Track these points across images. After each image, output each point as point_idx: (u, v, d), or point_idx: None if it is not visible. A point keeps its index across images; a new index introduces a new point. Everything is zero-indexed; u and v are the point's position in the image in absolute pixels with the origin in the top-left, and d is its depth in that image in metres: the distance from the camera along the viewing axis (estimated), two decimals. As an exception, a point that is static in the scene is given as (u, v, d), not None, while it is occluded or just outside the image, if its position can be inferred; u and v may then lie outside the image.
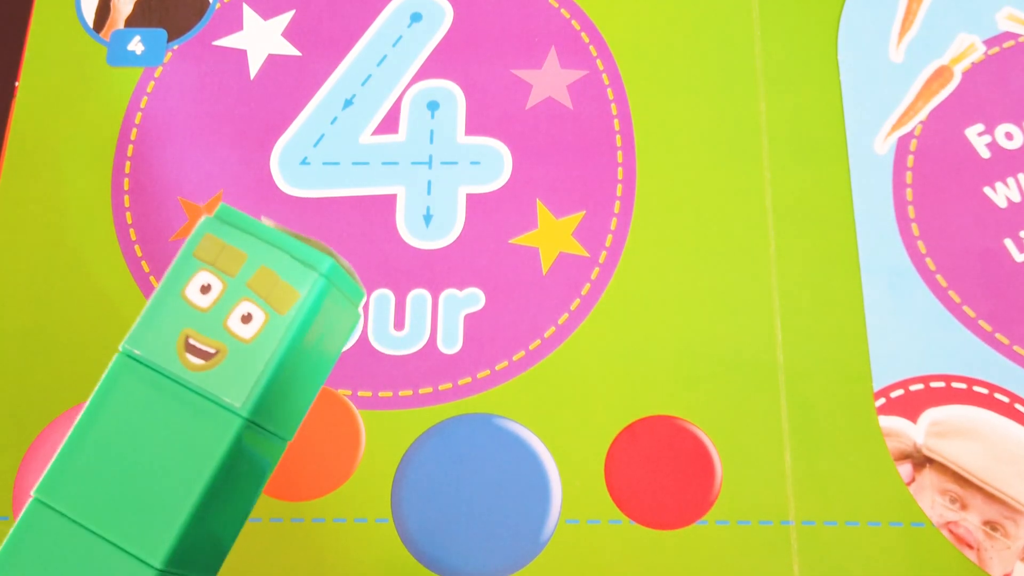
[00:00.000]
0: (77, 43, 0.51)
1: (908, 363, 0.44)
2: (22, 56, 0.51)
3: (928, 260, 0.45)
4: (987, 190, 0.47)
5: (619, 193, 0.47)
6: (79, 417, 0.29)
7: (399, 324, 0.45)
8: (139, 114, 0.49)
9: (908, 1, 0.50)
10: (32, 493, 0.29)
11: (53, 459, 0.29)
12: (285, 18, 0.51)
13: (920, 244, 0.46)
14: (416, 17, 0.51)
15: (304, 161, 0.48)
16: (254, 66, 0.50)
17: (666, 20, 0.50)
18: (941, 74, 0.49)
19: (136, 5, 0.52)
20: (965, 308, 0.45)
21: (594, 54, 0.50)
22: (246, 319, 0.29)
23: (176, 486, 0.28)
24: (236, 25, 0.51)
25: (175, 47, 0.51)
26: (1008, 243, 0.46)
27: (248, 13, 0.51)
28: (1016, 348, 0.44)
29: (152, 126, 0.49)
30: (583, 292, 0.45)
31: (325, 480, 0.43)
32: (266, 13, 0.51)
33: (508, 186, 0.47)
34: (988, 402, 0.43)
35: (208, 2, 0.52)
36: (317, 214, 0.47)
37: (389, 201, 0.47)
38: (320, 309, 0.30)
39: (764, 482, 0.42)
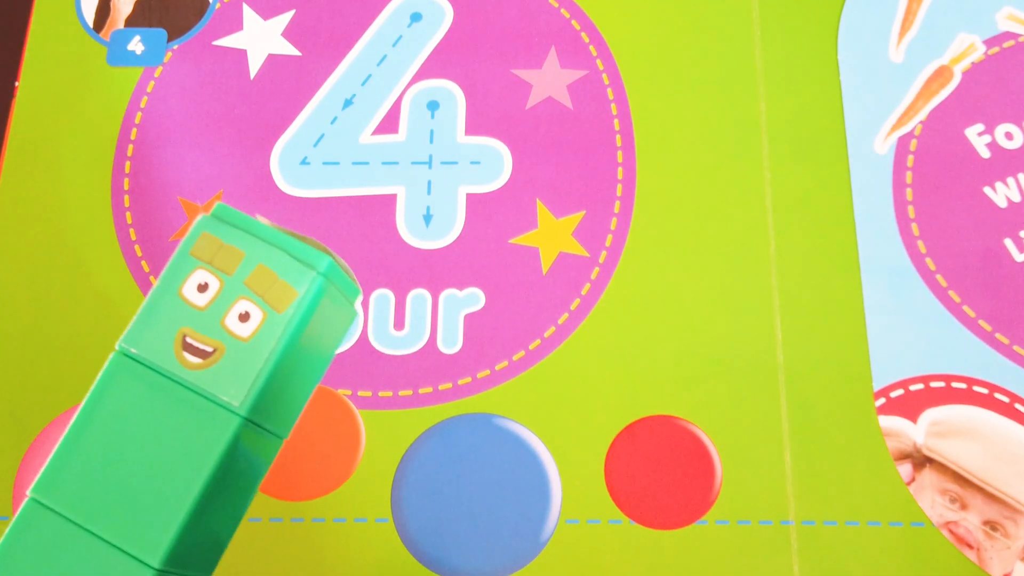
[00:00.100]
0: (77, 43, 0.51)
1: (908, 363, 0.44)
2: (22, 56, 0.51)
3: (928, 260, 0.45)
4: (987, 190, 0.47)
5: (619, 193, 0.47)
6: (75, 416, 0.29)
7: (399, 324, 0.45)
8: (139, 114, 0.49)
9: (908, 1, 0.50)
10: (28, 492, 0.28)
11: (49, 458, 0.28)
12: (285, 18, 0.51)
13: (920, 244, 0.46)
14: (416, 17, 0.51)
15: (304, 161, 0.48)
16: (254, 66, 0.50)
17: (666, 20, 0.50)
18: (941, 74, 0.49)
19: (136, 5, 0.52)
20: (965, 308, 0.45)
21: (594, 54, 0.50)
22: (244, 317, 0.29)
23: (174, 485, 0.28)
24: (236, 25, 0.51)
25: (175, 47, 0.51)
26: (1008, 243, 0.46)
27: (248, 13, 0.51)
28: (1016, 348, 0.44)
29: (152, 126, 0.49)
30: (583, 292, 0.45)
31: (325, 480, 0.43)
32: (266, 13, 0.51)
33: (508, 186, 0.47)
34: (988, 402, 0.43)
35: (208, 2, 0.52)
36: (317, 214, 0.47)
37: (389, 201, 0.47)
38: (318, 307, 0.30)
39: (764, 482, 0.42)
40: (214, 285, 0.29)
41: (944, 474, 0.42)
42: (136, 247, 0.47)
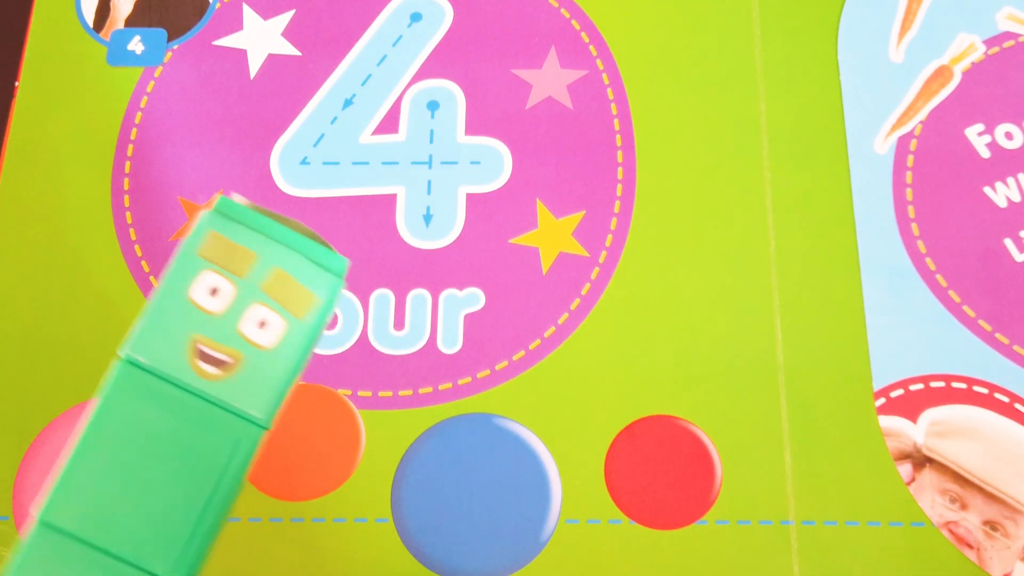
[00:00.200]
0: (77, 43, 0.51)
1: (908, 363, 0.44)
2: (22, 56, 0.51)
3: (928, 260, 0.45)
4: (987, 190, 0.47)
5: (619, 193, 0.47)
6: (81, 431, 0.27)
7: (399, 324, 0.45)
8: (139, 114, 0.49)
9: (908, 1, 0.50)
10: (35, 515, 0.26)
11: (55, 478, 0.26)
12: (285, 18, 0.51)
13: (920, 244, 0.46)
14: (416, 17, 0.51)
15: (304, 161, 0.48)
16: (254, 66, 0.50)
17: (666, 20, 0.50)
18: (941, 74, 0.49)
19: (136, 5, 0.52)
20: (965, 308, 0.45)
21: (594, 54, 0.50)
22: (262, 325, 0.27)
23: (195, 501, 0.26)
24: (236, 25, 0.51)
25: (175, 47, 0.51)
26: (1008, 243, 0.46)
27: (248, 13, 0.51)
28: (1016, 348, 0.44)
29: (152, 126, 0.49)
30: (583, 292, 0.45)
31: (325, 480, 0.43)
32: (266, 13, 0.51)
33: (508, 186, 0.47)
34: (988, 402, 0.43)
35: (208, 2, 0.52)
36: (317, 214, 0.47)
37: (389, 201, 0.47)
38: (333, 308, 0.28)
39: (764, 482, 0.42)
40: (226, 289, 0.27)
41: (944, 474, 0.42)
42: (136, 247, 0.47)
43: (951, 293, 0.45)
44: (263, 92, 0.50)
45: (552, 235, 0.46)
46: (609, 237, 0.46)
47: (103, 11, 0.52)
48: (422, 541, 0.42)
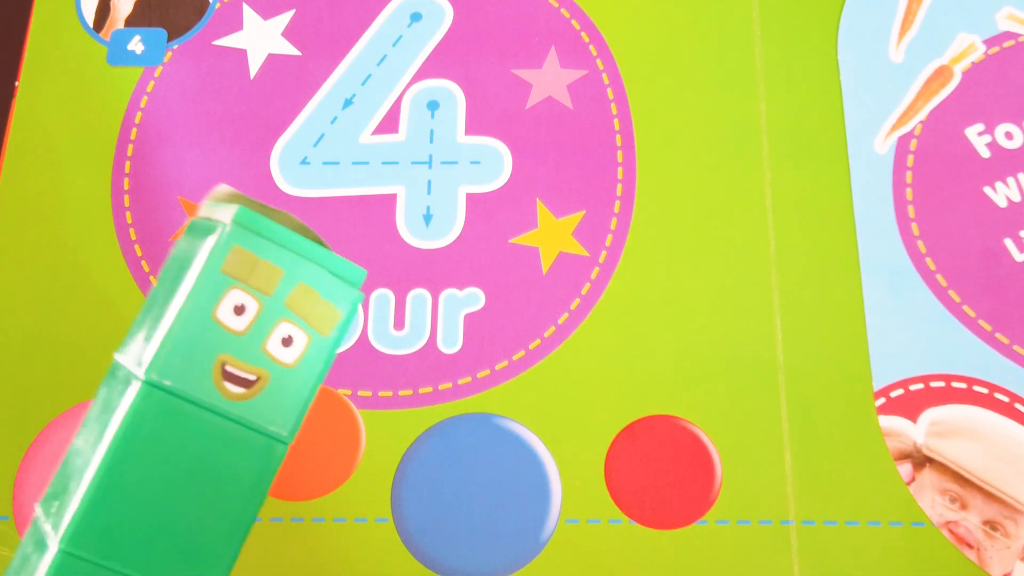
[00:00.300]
0: (77, 43, 0.51)
1: (908, 363, 0.44)
2: (22, 56, 0.51)
3: (928, 260, 0.45)
4: (987, 190, 0.47)
5: (619, 193, 0.47)
6: (101, 457, 0.26)
7: (399, 324, 0.45)
8: (139, 114, 0.49)
9: (908, 1, 0.50)
10: (57, 545, 0.26)
11: (76, 507, 0.25)
12: (285, 18, 0.51)
13: (920, 244, 0.46)
14: (416, 17, 0.51)
15: (304, 161, 0.48)
16: (254, 66, 0.50)
17: (666, 20, 0.50)
18: (941, 74, 0.49)
19: (136, 5, 0.52)
20: (965, 308, 0.45)
21: (594, 54, 0.50)
22: (287, 342, 0.27)
23: (221, 521, 0.26)
24: (236, 25, 0.51)
25: (175, 47, 0.51)
26: (1008, 243, 0.46)
27: (248, 13, 0.51)
28: (1016, 348, 0.44)
29: (152, 126, 0.49)
30: (583, 292, 0.45)
31: (325, 480, 0.43)
32: (266, 13, 0.51)
33: (508, 186, 0.47)
34: (988, 402, 0.43)
35: (208, 2, 0.52)
36: (317, 214, 0.47)
37: (389, 201, 0.47)
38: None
39: (764, 482, 0.42)
40: (252, 307, 0.27)
41: (944, 474, 0.42)
42: (136, 247, 0.47)
43: (951, 293, 0.45)
44: (263, 92, 0.50)
45: (552, 235, 0.46)
46: (609, 237, 0.46)
47: (103, 11, 0.52)
48: (422, 541, 0.42)
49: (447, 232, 0.47)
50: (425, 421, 0.43)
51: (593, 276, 0.46)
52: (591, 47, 0.50)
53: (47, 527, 0.26)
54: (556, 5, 0.51)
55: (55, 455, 0.43)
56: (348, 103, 0.49)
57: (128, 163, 0.48)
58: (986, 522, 0.41)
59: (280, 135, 0.49)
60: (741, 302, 0.45)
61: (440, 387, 0.44)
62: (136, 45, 0.51)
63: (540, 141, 0.48)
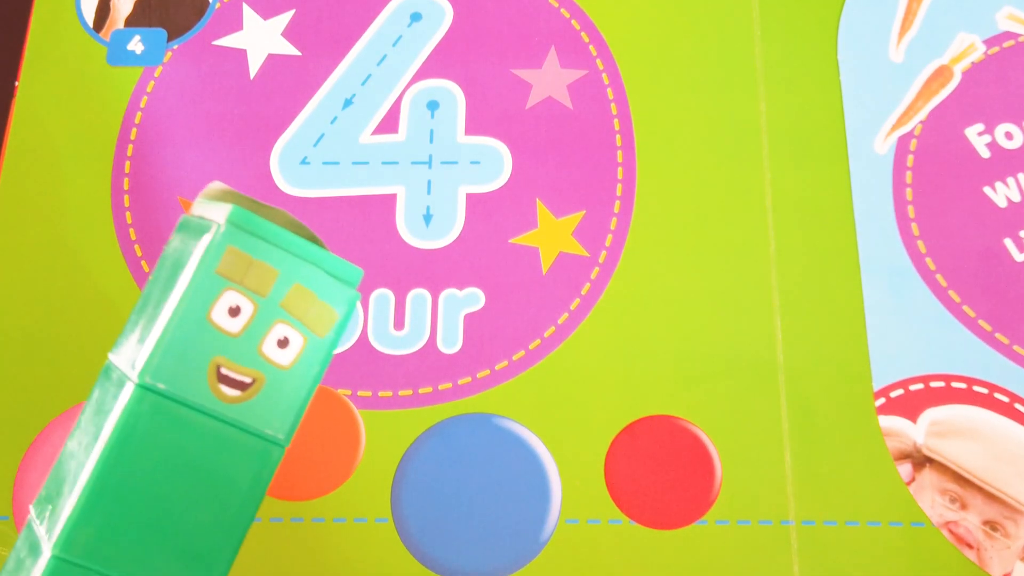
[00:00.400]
0: (77, 43, 0.51)
1: (908, 363, 0.44)
2: (22, 56, 0.51)
3: (928, 260, 0.45)
4: (987, 190, 0.47)
5: (619, 193, 0.47)
6: (95, 461, 0.25)
7: (399, 324, 0.45)
8: (139, 114, 0.49)
9: (908, 1, 0.50)
10: (51, 551, 0.25)
11: (69, 512, 0.25)
12: (285, 18, 0.51)
13: (920, 244, 0.46)
14: (416, 17, 0.51)
15: (304, 161, 0.48)
16: (254, 66, 0.50)
17: (666, 20, 0.50)
18: (941, 74, 0.49)
19: (136, 5, 0.52)
20: (965, 308, 0.45)
21: (594, 54, 0.50)
22: (283, 343, 0.26)
23: (216, 525, 0.26)
24: (236, 25, 0.51)
25: (175, 47, 0.51)
26: (1008, 243, 0.46)
27: (248, 13, 0.51)
28: (1016, 348, 0.44)
29: (152, 126, 0.49)
30: (583, 292, 0.45)
31: (325, 480, 0.43)
32: (266, 13, 0.51)
33: (508, 186, 0.47)
34: (988, 402, 0.43)
35: (208, 2, 0.52)
36: (317, 214, 0.47)
37: (389, 201, 0.47)
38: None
39: (764, 482, 0.42)
40: (247, 308, 0.26)
41: (944, 474, 0.42)
42: (136, 247, 0.47)
43: (951, 293, 0.45)
44: (263, 92, 0.50)
45: (552, 235, 0.46)
46: (609, 237, 0.46)
47: (103, 11, 0.52)
48: (422, 541, 0.42)
49: (447, 232, 0.47)
50: (425, 421, 0.43)
51: (593, 276, 0.46)
52: (591, 47, 0.50)
53: (41, 531, 0.26)
54: (556, 5, 0.51)
55: (55, 455, 0.43)
56: (348, 103, 0.49)
57: (128, 163, 0.48)
58: (986, 522, 0.41)
59: (280, 135, 0.49)
60: (741, 302, 0.45)
61: (440, 387, 0.44)
62: (136, 45, 0.51)
63: (540, 141, 0.48)
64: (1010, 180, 0.47)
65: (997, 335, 0.44)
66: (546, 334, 0.45)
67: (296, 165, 0.48)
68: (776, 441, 0.43)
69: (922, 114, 0.48)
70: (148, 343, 0.26)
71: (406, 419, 0.43)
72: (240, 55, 0.51)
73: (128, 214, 0.48)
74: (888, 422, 0.43)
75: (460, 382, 0.44)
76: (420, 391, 0.44)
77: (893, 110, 0.48)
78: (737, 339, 0.44)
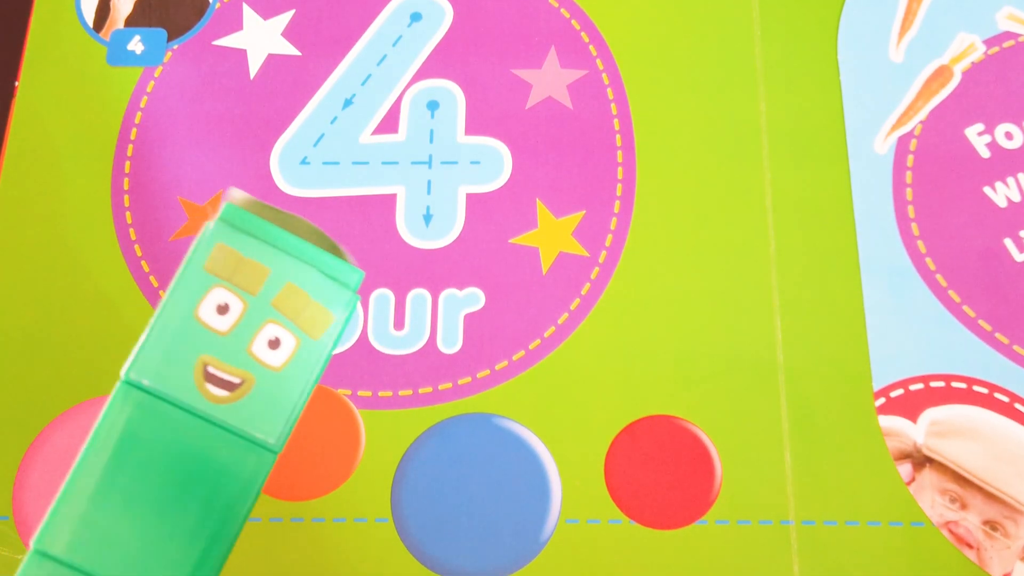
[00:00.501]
0: (77, 43, 0.51)
1: (908, 363, 0.44)
2: (22, 56, 0.51)
3: (928, 260, 0.45)
4: (987, 190, 0.47)
5: (619, 193, 0.47)
6: (79, 456, 0.25)
7: (399, 324, 0.45)
8: (139, 114, 0.49)
9: (908, 1, 0.50)
10: (31, 544, 0.25)
11: (52, 505, 0.25)
12: (285, 18, 0.51)
13: (920, 244, 0.46)
14: (416, 17, 0.51)
15: (304, 161, 0.48)
16: (254, 66, 0.50)
17: (666, 20, 0.50)
18: (941, 74, 0.49)
19: (136, 5, 0.52)
20: (965, 308, 0.45)
21: (594, 54, 0.50)
22: (274, 344, 0.26)
23: (199, 530, 0.25)
24: (236, 25, 0.51)
25: (175, 47, 0.51)
26: (1008, 243, 0.46)
27: (248, 13, 0.51)
28: (1016, 348, 0.44)
29: (152, 126, 0.49)
30: (583, 292, 0.45)
31: (325, 480, 0.43)
32: (266, 13, 0.51)
33: (508, 186, 0.47)
34: (988, 402, 0.43)
35: (208, 2, 0.52)
36: (317, 214, 0.47)
37: (389, 201, 0.47)
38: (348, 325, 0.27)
39: (764, 482, 0.42)
40: (236, 306, 0.26)
41: (944, 474, 0.42)
42: (136, 247, 0.47)
43: (951, 293, 0.45)
44: (263, 92, 0.50)
45: (552, 235, 0.46)
46: (609, 237, 0.46)
47: (103, 11, 0.52)
48: (422, 541, 0.42)
49: (447, 232, 0.47)
50: (425, 421, 0.43)
51: (593, 276, 0.46)
52: (591, 47, 0.50)
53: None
54: (556, 5, 0.51)
55: (55, 455, 0.43)
56: (348, 103, 0.49)
57: (128, 163, 0.48)
58: (986, 522, 0.41)
59: (280, 135, 0.49)
60: (741, 302, 0.45)
61: (440, 387, 0.44)
62: (136, 45, 0.51)
63: (540, 141, 0.48)
64: (1010, 180, 0.47)
65: (997, 335, 0.44)
66: (546, 334, 0.45)
67: (296, 165, 0.48)
68: (776, 441, 0.43)
69: (922, 114, 0.48)
70: (139, 340, 0.26)
71: (406, 419, 0.43)
72: (240, 55, 0.51)
73: (128, 214, 0.48)
74: (888, 422, 0.43)
75: (460, 382, 0.44)
76: (420, 391, 0.44)
77: (893, 110, 0.48)
78: (737, 339, 0.44)
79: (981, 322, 0.44)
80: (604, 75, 0.49)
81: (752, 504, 0.42)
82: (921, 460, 0.42)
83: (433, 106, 0.49)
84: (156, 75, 0.50)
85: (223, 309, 0.26)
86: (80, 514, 0.25)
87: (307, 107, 0.49)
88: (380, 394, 0.44)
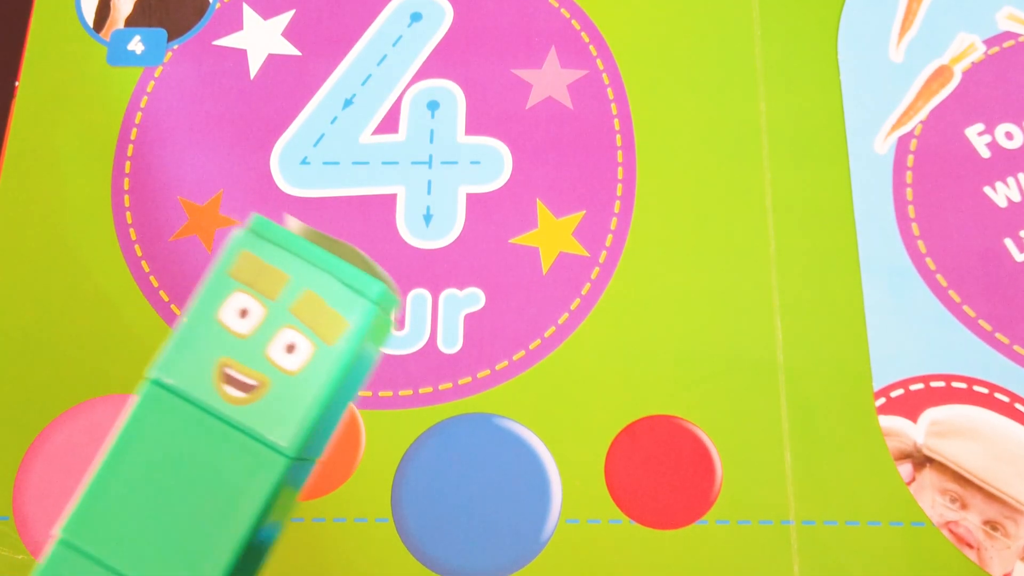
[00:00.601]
0: (77, 43, 0.51)
1: (908, 363, 0.44)
2: (22, 56, 0.51)
3: (928, 260, 0.45)
4: (987, 190, 0.47)
5: (619, 193, 0.47)
6: (107, 449, 0.26)
7: (399, 324, 0.45)
8: (139, 114, 0.49)
9: (908, 1, 0.50)
10: (56, 532, 0.26)
11: (78, 496, 0.26)
12: (285, 18, 0.51)
13: (920, 244, 0.46)
14: (416, 17, 0.51)
15: (304, 161, 0.48)
16: (254, 66, 0.50)
17: (666, 20, 0.50)
18: (941, 74, 0.49)
19: (136, 5, 0.52)
20: (965, 308, 0.45)
21: (594, 54, 0.50)
22: (290, 349, 0.27)
23: (217, 529, 0.26)
24: (236, 25, 0.51)
25: (175, 47, 0.51)
26: (1008, 243, 0.46)
27: (248, 13, 0.51)
28: (1016, 348, 0.44)
29: (152, 126, 0.49)
30: (583, 292, 0.45)
31: (325, 480, 0.43)
32: (266, 13, 0.51)
33: (508, 186, 0.47)
34: (988, 402, 0.43)
35: (208, 2, 0.52)
36: (317, 214, 0.47)
37: (389, 201, 0.47)
38: (366, 335, 0.27)
39: (764, 482, 0.42)
40: (256, 311, 0.27)
41: (944, 474, 0.42)
42: (136, 247, 0.47)
43: (951, 293, 0.45)
44: (263, 92, 0.50)
45: (552, 235, 0.46)
46: (609, 237, 0.46)
47: (103, 11, 0.52)
48: (422, 541, 0.42)
49: (447, 232, 0.47)
50: (425, 421, 0.43)
51: (593, 276, 0.46)
52: (591, 47, 0.50)
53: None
54: (556, 5, 0.51)
55: (55, 455, 0.43)
56: (348, 103, 0.49)
57: (128, 163, 0.48)
58: (986, 522, 0.41)
59: (280, 135, 0.49)
60: (741, 302, 0.45)
61: (440, 387, 0.44)
62: (136, 45, 0.51)
63: (540, 141, 0.48)
64: (1010, 180, 0.47)
65: (997, 335, 0.44)
66: (546, 334, 0.45)
67: (296, 165, 0.48)
68: (776, 441, 0.43)
69: (922, 114, 0.48)
70: (166, 342, 0.27)
71: (406, 419, 0.43)
72: (240, 55, 0.51)
73: (128, 214, 0.48)
74: (888, 422, 0.43)
75: (460, 382, 0.44)
76: (420, 391, 0.44)
77: (893, 110, 0.48)
78: (737, 339, 0.44)
79: (981, 322, 0.44)
80: (604, 75, 0.49)
81: (752, 504, 0.42)
82: (921, 460, 0.42)
83: (433, 106, 0.49)
84: (156, 75, 0.50)
85: (244, 313, 0.27)
86: (104, 508, 0.26)
87: (307, 107, 0.49)
88: (380, 394, 0.44)
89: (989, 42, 0.49)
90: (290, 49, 0.51)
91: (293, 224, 0.28)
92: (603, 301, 0.45)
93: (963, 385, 0.43)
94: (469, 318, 0.45)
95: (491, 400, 0.44)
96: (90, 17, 0.52)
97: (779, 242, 0.46)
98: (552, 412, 0.43)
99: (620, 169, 0.48)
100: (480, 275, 0.46)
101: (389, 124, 0.49)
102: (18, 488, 0.43)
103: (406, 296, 0.46)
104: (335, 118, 0.49)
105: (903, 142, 0.48)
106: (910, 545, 0.41)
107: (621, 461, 0.43)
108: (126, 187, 0.48)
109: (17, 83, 0.50)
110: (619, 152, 0.48)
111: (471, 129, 0.48)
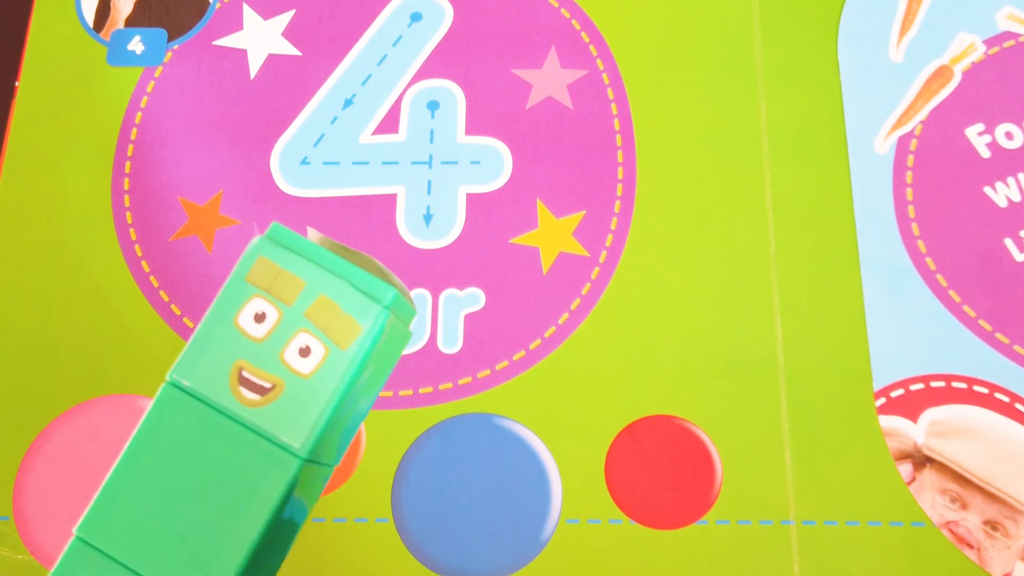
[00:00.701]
0: (77, 43, 0.51)
1: (908, 363, 0.44)
2: (22, 56, 0.51)
3: (928, 260, 0.45)
4: (987, 190, 0.47)
5: (619, 193, 0.47)
6: (124, 449, 0.27)
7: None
8: (139, 114, 0.49)
9: (908, 1, 0.50)
10: (73, 531, 0.27)
11: (96, 495, 0.27)
12: (285, 18, 0.51)
13: (920, 244, 0.46)
14: (416, 17, 0.51)
15: (304, 161, 0.48)
16: (254, 66, 0.50)
17: (666, 20, 0.50)
18: (941, 74, 0.49)
19: (136, 5, 0.52)
20: (965, 308, 0.45)
21: (594, 54, 0.50)
22: (304, 352, 0.27)
23: (231, 528, 0.26)
24: (236, 25, 0.51)
25: (175, 47, 0.51)
26: (1008, 243, 0.46)
27: (248, 13, 0.51)
28: (1016, 348, 0.44)
29: (152, 126, 0.49)
30: (583, 292, 0.45)
31: (325, 480, 0.43)
32: (266, 13, 0.51)
33: (508, 186, 0.47)
34: (988, 402, 0.43)
35: (208, 2, 0.52)
36: (317, 214, 0.47)
37: (389, 201, 0.47)
38: (380, 341, 0.28)
39: (764, 482, 0.42)
40: (272, 315, 0.28)
41: (944, 474, 0.42)
42: (136, 247, 0.47)
43: (951, 293, 0.45)
44: (263, 92, 0.50)
45: (552, 235, 0.46)
46: (609, 237, 0.46)
47: (103, 11, 0.52)
48: (422, 541, 0.42)
49: (447, 232, 0.47)
50: (425, 421, 0.43)
51: (593, 276, 0.46)
52: (591, 47, 0.50)
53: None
54: (556, 5, 0.51)
55: (55, 455, 0.43)
56: (348, 103, 0.49)
57: (128, 163, 0.48)
58: (986, 522, 0.41)
59: (280, 135, 0.49)
60: (741, 302, 0.45)
61: (440, 387, 0.44)
62: (136, 45, 0.51)
63: (540, 141, 0.48)
64: (1010, 180, 0.47)
65: (997, 335, 0.44)
66: (546, 334, 0.45)
67: (296, 165, 0.48)
68: (776, 441, 0.43)
69: (922, 114, 0.48)
70: (184, 345, 0.28)
71: (406, 419, 0.43)
72: (240, 55, 0.51)
73: (128, 214, 0.48)
74: (888, 422, 0.43)
75: (460, 382, 0.44)
76: (420, 391, 0.44)
77: (893, 110, 0.48)
78: (737, 339, 0.44)
79: (981, 322, 0.44)
80: (604, 75, 0.49)
81: (752, 504, 0.42)
82: (921, 460, 0.42)
83: (433, 106, 0.49)
84: (156, 75, 0.50)
85: (260, 317, 0.28)
86: (121, 506, 0.26)
87: (307, 107, 0.49)
88: (381, 394, 0.44)
89: (989, 42, 0.49)
90: (290, 49, 0.51)
91: (313, 234, 0.29)
92: (603, 301, 0.45)
93: (963, 385, 0.43)
94: (469, 318, 0.45)
95: (491, 400, 0.44)
96: (90, 17, 0.52)
97: (779, 242, 0.46)
98: (552, 412, 0.43)
99: (620, 169, 0.48)
100: (480, 275, 0.46)
101: (389, 124, 0.49)
102: (18, 488, 0.43)
103: (406, 296, 0.46)
104: (335, 118, 0.49)
105: (903, 142, 0.48)
106: (910, 545, 0.41)
107: (621, 461, 0.43)
108: (126, 187, 0.48)
109: (17, 83, 0.50)
110: (619, 152, 0.48)
111: (471, 129, 0.48)
